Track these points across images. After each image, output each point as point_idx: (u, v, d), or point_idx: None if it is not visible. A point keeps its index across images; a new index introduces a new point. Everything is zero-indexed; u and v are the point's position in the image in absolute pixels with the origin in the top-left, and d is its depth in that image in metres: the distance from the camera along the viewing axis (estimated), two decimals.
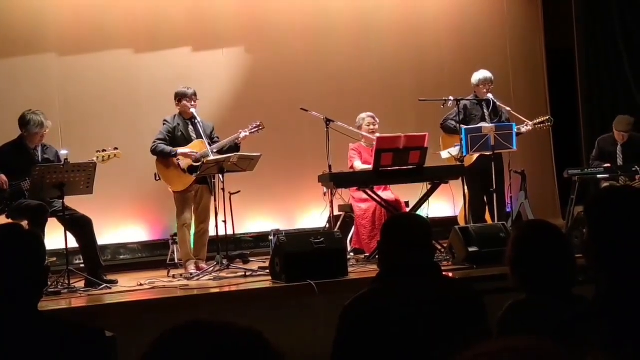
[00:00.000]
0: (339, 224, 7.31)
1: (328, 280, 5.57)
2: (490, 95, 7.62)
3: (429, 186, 7.05)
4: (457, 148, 7.31)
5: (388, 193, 7.29)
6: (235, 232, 7.33)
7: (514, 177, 8.18)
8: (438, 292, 2.79)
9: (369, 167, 6.96)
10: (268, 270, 6.06)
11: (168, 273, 6.90)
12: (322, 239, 5.88)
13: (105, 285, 6.09)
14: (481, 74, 7.68)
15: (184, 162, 6.72)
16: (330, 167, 6.84)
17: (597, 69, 9.70)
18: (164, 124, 6.85)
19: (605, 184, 7.61)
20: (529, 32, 9.88)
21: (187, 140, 6.82)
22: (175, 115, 6.88)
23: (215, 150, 6.71)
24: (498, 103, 7.67)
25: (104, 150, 6.48)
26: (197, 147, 6.75)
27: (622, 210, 2.07)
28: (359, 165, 7.25)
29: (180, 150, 6.72)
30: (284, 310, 5.38)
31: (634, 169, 7.63)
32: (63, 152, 6.51)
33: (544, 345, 1.07)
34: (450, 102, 7.39)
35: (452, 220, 7.83)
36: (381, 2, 9.26)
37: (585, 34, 9.69)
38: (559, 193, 9.50)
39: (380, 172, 6.80)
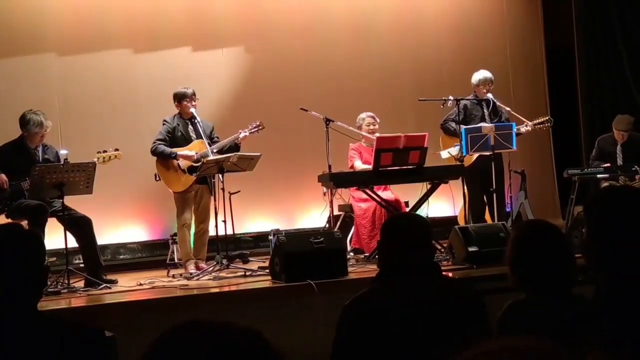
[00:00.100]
0: (338, 223, 7.30)
1: (328, 280, 5.57)
2: (490, 95, 7.62)
3: (429, 186, 7.05)
4: (457, 148, 7.31)
5: (388, 193, 7.29)
6: (235, 232, 7.33)
7: (513, 177, 8.18)
8: (438, 292, 2.79)
9: (369, 167, 6.96)
10: (268, 270, 6.05)
11: (168, 273, 6.90)
12: (321, 239, 5.88)
13: (105, 285, 6.09)
14: (481, 74, 7.67)
15: (184, 162, 6.72)
16: (330, 166, 6.84)
17: (597, 69, 9.69)
18: (163, 124, 6.85)
19: (605, 184, 7.60)
20: (528, 32, 9.88)
21: (187, 140, 6.81)
22: (175, 116, 6.87)
23: (215, 150, 6.71)
24: (498, 103, 7.66)
25: (104, 151, 6.48)
26: (196, 147, 6.75)
27: (622, 210, 2.07)
28: (359, 165, 7.25)
29: (180, 152, 6.72)
30: (283, 310, 5.38)
31: (633, 169, 7.62)
32: (63, 152, 6.51)
33: (544, 345, 1.07)
34: (450, 102, 7.39)
35: (452, 220, 7.83)
36: (381, 2, 9.26)
37: (585, 34, 9.68)
38: (559, 193, 9.50)
39: (380, 172, 6.80)
